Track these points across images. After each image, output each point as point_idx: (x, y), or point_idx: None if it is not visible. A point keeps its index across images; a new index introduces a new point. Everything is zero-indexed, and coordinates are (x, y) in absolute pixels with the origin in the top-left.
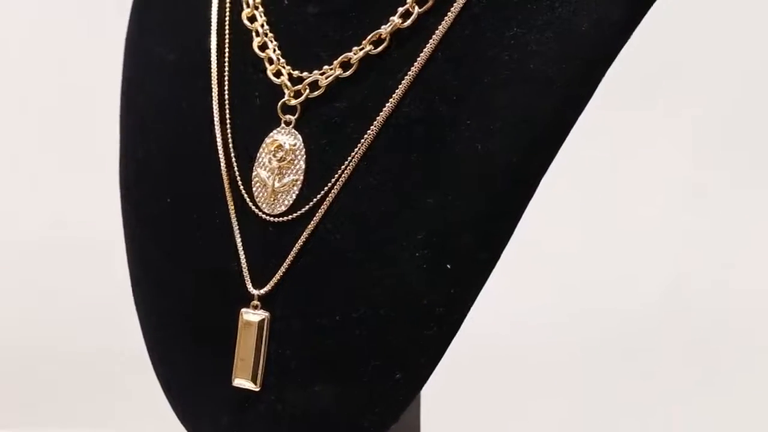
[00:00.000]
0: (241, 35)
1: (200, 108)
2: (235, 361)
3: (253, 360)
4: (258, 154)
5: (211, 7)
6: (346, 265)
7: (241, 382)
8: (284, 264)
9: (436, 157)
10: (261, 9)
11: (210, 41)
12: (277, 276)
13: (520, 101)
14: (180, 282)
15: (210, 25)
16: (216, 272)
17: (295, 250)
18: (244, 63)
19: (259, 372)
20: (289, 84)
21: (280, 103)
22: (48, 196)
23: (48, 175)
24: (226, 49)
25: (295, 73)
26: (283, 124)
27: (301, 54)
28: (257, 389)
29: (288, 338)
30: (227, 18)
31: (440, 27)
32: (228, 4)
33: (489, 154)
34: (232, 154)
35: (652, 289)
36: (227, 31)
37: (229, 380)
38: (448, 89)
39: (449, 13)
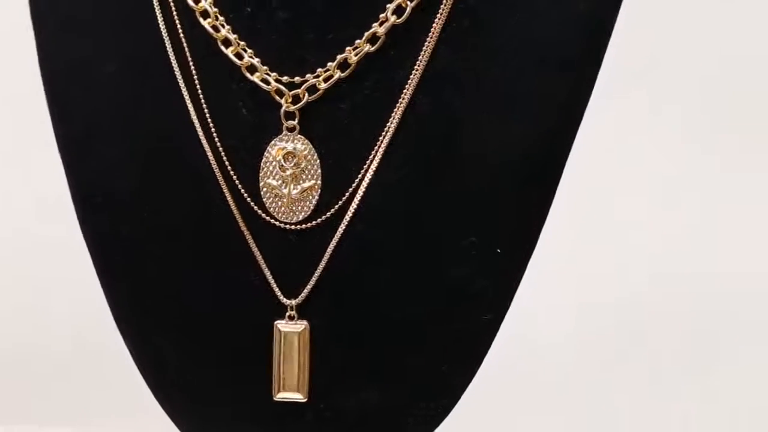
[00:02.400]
0: (203, 46)
1: (176, 124)
2: (274, 374)
3: (297, 371)
4: (262, 164)
5: (149, 15)
6: (387, 264)
7: (286, 395)
8: (317, 271)
9: (461, 147)
10: (222, 18)
11: (162, 54)
12: (311, 284)
13: (537, 87)
14: (188, 302)
15: (160, 37)
16: (233, 287)
17: (327, 255)
18: (217, 73)
19: (305, 382)
20: (285, 90)
21: (282, 110)
22: (44, 193)
23: (47, 173)
24: (190, 62)
25: (284, 78)
26: (285, 131)
27: (283, 59)
28: (304, 400)
29: (330, 345)
30: (179, 29)
31: (437, 21)
32: (175, 14)
33: (514, 141)
34: (228, 167)
35: (642, 278)
36: (185, 44)
37: (264, 394)
38: (460, 81)
39: (443, 7)
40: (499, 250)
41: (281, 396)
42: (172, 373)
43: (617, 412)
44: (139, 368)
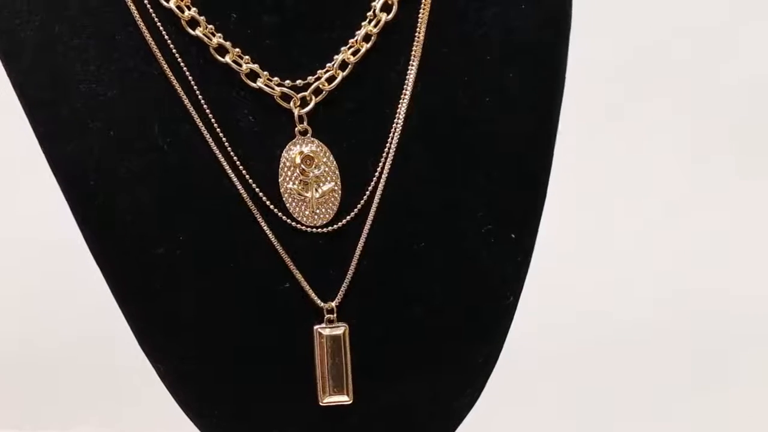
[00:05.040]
0: (194, 55)
1: (184, 139)
2: (319, 379)
3: (341, 373)
4: (280, 169)
5: (131, 25)
6: (416, 258)
7: (332, 398)
8: (349, 272)
9: (468, 136)
10: (211, 27)
11: (155, 66)
12: (345, 285)
13: (524, 71)
14: (221, 317)
15: (148, 49)
16: (266, 296)
17: (356, 255)
18: (214, 82)
19: (350, 383)
20: (293, 93)
21: (296, 114)
22: (50, 195)
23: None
24: (186, 73)
25: (287, 82)
26: (298, 135)
27: (279, 64)
28: (350, 401)
29: (370, 343)
30: (167, 40)
31: (420, 15)
32: (159, 24)
33: (515, 126)
34: (247, 176)
35: (648, 292)
36: (177, 55)
37: (308, 400)
38: (455, 72)
39: (424, 1)
40: (513, 235)
41: (328, 400)
42: (208, 391)
43: (616, 419)
44: (169, 388)
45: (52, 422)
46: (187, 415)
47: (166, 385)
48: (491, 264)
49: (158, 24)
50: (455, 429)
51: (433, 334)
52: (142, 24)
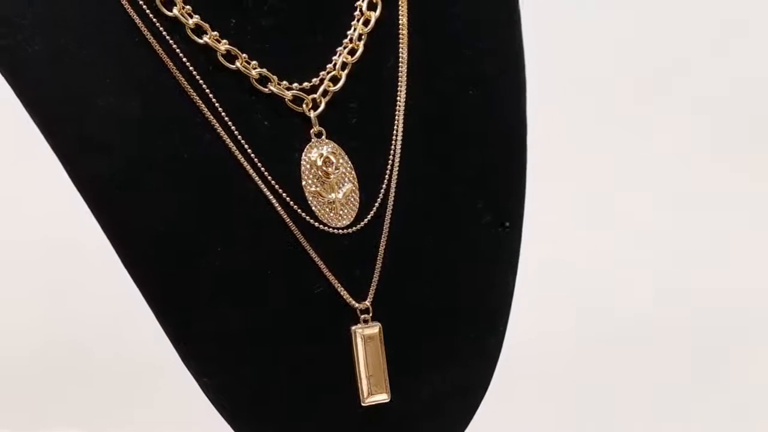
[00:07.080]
0: (202, 63)
1: (207, 147)
2: (361, 380)
3: (382, 371)
4: (302, 172)
5: (135, 34)
6: (432, 254)
7: (373, 398)
8: (376, 271)
9: (460, 130)
10: (215, 33)
11: (169, 76)
12: (373, 285)
13: (499, 62)
14: (259, 325)
15: (157, 59)
16: (302, 298)
17: (380, 254)
18: (224, 88)
19: (388, 381)
20: (305, 96)
21: (313, 115)
22: (67, 197)
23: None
24: (199, 80)
25: (294, 85)
26: (313, 138)
27: (281, 67)
28: (388, 399)
29: (402, 340)
30: (176, 48)
31: (401, 12)
32: (165, 34)
33: (498, 116)
34: (272, 182)
35: (648, 291)
36: (187, 63)
37: (349, 401)
38: (440, 68)
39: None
40: (507, 223)
41: (369, 400)
42: (251, 399)
43: (616, 419)
44: (212, 399)
45: (53, 422)
46: (230, 424)
47: (209, 396)
48: (494, 254)
49: (164, 33)
50: (471, 419)
51: (449, 327)
52: (148, 34)
